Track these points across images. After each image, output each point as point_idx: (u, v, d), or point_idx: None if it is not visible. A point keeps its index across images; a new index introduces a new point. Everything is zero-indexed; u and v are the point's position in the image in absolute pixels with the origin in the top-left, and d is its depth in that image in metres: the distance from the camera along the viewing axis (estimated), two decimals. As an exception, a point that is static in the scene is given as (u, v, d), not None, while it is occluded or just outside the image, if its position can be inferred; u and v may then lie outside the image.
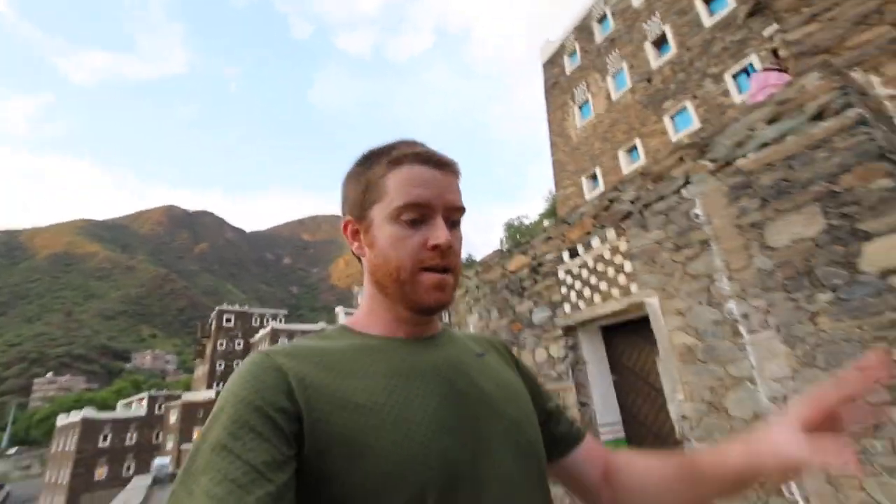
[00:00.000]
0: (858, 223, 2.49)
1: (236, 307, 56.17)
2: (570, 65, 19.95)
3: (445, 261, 0.62)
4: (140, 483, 25.57)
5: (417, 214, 0.63)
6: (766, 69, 3.75)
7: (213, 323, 52.88)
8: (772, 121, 2.93)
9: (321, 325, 50.13)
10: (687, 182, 3.41)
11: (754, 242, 2.95)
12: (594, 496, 0.71)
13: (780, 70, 3.70)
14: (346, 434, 0.51)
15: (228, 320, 52.91)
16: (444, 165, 0.66)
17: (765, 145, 2.94)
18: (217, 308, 54.74)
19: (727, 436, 3.01)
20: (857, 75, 3.34)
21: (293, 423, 0.50)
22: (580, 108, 18.87)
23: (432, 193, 0.63)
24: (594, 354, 4.38)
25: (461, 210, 0.66)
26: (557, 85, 20.41)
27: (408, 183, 0.63)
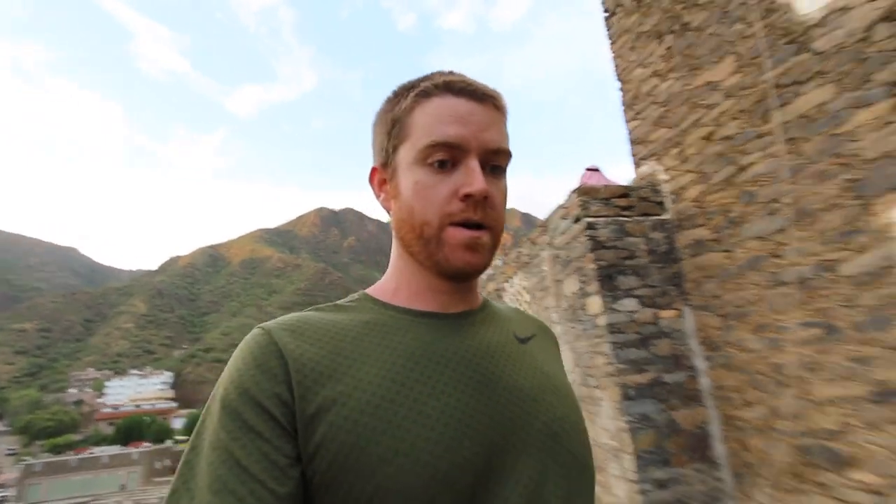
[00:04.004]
0: (586, 287, 4.34)
1: (377, 295, 65.34)
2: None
3: (480, 214, 0.52)
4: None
5: (447, 156, 0.53)
6: (588, 169, 5.20)
7: (361, 310, 62.44)
8: (563, 218, 4.78)
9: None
10: (542, 248, 5.34)
11: (559, 291, 4.86)
12: None
13: (596, 171, 5.18)
14: (340, 436, 0.44)
15: (372, 307, 62.01)
16: (482, 97, 0.55)
17: (563, 233, 4.81)
18: (362, 297, 64.42)
19: (558, 405, 5.04)
20: (652, 163, 4.89)
21: (294, 416, 0.45)
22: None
23: (466, 131, 0.52)
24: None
25: (504, 153, 0.55)
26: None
27: (437, 118, 0.53)
